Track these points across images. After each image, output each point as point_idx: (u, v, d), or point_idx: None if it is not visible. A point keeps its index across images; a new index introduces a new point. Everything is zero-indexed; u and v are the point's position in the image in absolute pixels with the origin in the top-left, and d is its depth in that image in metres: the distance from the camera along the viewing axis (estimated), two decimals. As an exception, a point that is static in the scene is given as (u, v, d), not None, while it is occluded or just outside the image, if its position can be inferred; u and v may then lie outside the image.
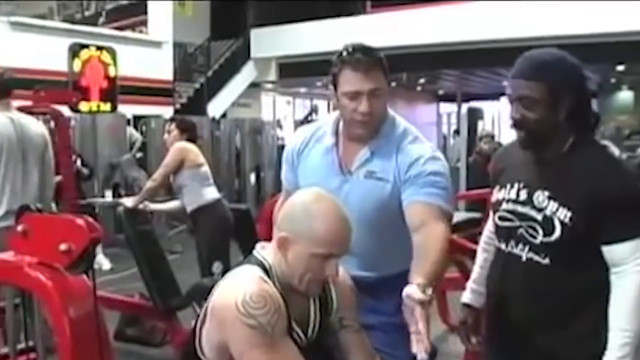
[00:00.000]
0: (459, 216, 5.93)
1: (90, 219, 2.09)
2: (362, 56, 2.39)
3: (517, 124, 2.16)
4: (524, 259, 2.17)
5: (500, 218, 2.26)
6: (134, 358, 4.87)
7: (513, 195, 2.22)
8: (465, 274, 3.31)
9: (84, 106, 11.74)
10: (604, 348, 2.06)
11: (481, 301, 2.42)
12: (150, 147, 11.53)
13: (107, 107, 12.26)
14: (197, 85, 17.64)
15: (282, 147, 10.56)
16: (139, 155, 11.03)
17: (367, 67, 2.39)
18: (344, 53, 2.43)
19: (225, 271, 2.11)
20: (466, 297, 2.45)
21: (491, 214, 2.42)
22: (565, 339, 2.12)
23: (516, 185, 2.22)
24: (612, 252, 2.05)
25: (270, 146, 13.50)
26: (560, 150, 2.14)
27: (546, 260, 2.12)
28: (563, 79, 2.09)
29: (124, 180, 9.52)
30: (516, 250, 2.19)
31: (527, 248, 2.16)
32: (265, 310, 1.83)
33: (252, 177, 12.96)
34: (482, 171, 9.00)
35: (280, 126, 15.57)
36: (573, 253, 2.09)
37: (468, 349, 2.46)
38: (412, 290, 1.91)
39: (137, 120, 12.16)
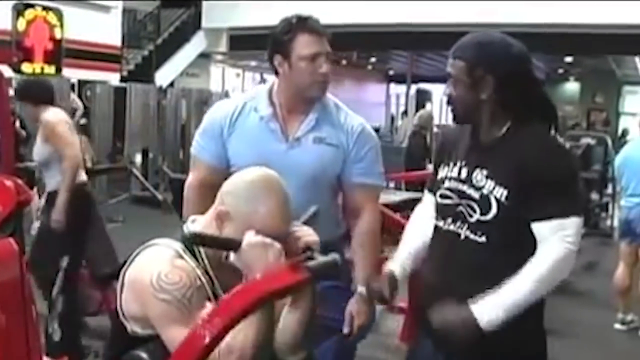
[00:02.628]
0: (402, 196, 5.96)
1: (20, 182, 2.02)
2: (314, 22, 2.53)
3: (447, 101, 2.24)
4: (462, 237, 2.17)
5: (441, 196, 2.27)
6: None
7: (455, 173, 2.23)
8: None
9: (27, 67, 11.49)
10: (536, 324, 2.15)
11: (404, 276, 2.39)
12: (94, 113, 11.37)
13: (51, 69, 11.99)
14: (146, 53, 17.37)
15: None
16: (82, 121, 10.85)
17: (321, 31, 2.53)
18: (295, 20, 2.52)
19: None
20: (394, 266, 2.37)
21: (427, 193, 2.44)
22: None
23: (458, 164, 2.23)
24: (538, 229, 2.08)
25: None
26: (497, 132, 2.17)
27: (482, 239, 2.13)
28: (484, 60, 2.12)
29: (65, 145, 9.30)
30: (454, 228, 2.20)
31: (465, 226, 2.17)
32: (179, 285, 1.82)
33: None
34: (420, 152, 9.11)
35: (228, 98, 15.40)
36: (508, 232, 2.11)
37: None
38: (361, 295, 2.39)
39: (82, 85, 11.91)
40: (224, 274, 1.94)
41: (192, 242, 1.89)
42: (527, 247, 2.10)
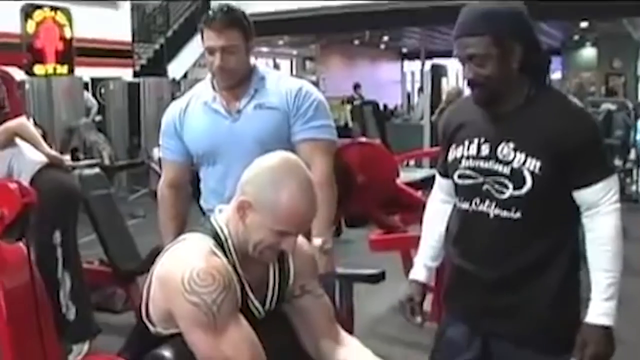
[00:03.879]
0: (422, 173, 5.88)
1: (24, 184, 1.98)
2: (219, 16, 2.65)
3: (472, 83, 2.09)
4: (491, 215, 2.09)
5: (460, 176, 2.17)
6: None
7: (473, 151, 2.13)
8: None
9: (39, 69, 11.51)
10: (574, 296, 2.10)
11: (430, 278, 2.38)
12: (109, 110, 11.37)
13: (63, 69, 12.02)
14: (157, 46, 17.24)
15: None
16: (98, 118, 10.87)
17: (221, 26, 2.65)
18: (207, 14, 2.70)
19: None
20: (418, 273, 2.37)
21: (438, 177, 2.37)
22: (536, 292, 2.08)
23: (476, 141, 2.13)
24: (583, 196, 2.03)
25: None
26: (518, 102, 2.08)
27: (517, 215, 2.05)
28: (508, 28, 2.01)
29: (82, 144, 9.32)
30: (482, 208, 2.11)
31: (494, 204, 2.08)
32: (211, 289, 1.74)
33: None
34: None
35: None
36: (544, 204, 2.04)
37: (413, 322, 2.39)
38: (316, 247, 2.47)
39: (96, 83, 11.88)
40: (250, 267, 1.89)
41: None
42: (563, 217, 2.06)
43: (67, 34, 12.24)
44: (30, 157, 4.14)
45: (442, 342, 2.32)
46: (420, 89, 16.83)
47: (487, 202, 2.10)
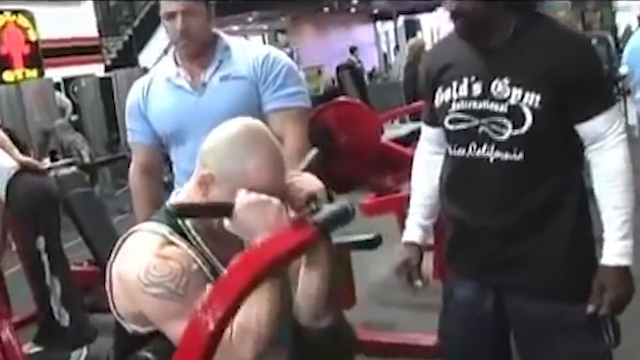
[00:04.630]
0: (408, 128, 5.70)
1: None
2: None
3: (455, 15, 1.92)
4: (491, 160, 1.93)
5: (452, 122, 2.01)
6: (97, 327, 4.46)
7: (464, 92, 1.97)
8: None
9: (8, 76, 11.31)
10: (587, 237, 1.96)
11: (426, 238, 2.22)
12: (84, 108, 11.16)
13: (33, 73, 11.82)
14: (126, 38, 17.07)
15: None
16: (74, 118, 10.68)
17: None
18: None
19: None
20: (413, 235, 2.21)
21: (425, 128, 2.20)
22: (548, 237, 1.93)
23: (466, 81, 1.96)
24: (587, 129, 1.88)
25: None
26: (507, 33, 1.91)
27: (520, 156, 1.89)
28: None
29: (59, 146, 9.13)
30: (480, 153, 1.95)
31: (493, 148, 1.92)
32: (172, 276, 1.58)
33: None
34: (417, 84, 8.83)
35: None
36: (547, 142, 1.89)
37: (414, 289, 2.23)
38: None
39: (68, 82, 11.67)
40: (222, 247, 1.71)
41: (179, 217, 1.67)
42: (568, 155, 1.92)
43: (32, 36, 11.99)
44: (2, 164, 3.99)
45: (452, 302, 2.18)
46: (397, 48, 16.64)
47: (485, 146, 1.93)
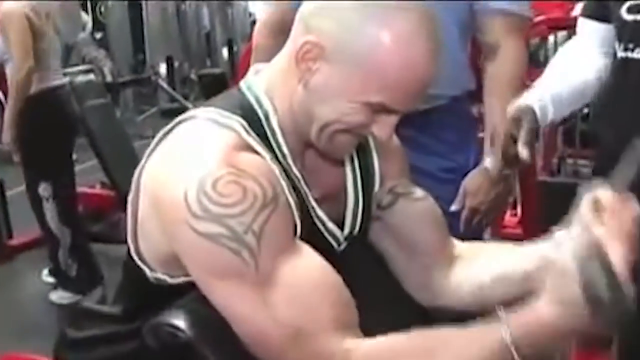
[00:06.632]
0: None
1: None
2: None
3: None
4: None
5: (631, 9, 1.49)
6: (102, 258, 4.21)
7: None
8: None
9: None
10: None
11: (541, 120, 1.57)
12: (109, 26, 10.60)
13: (60, -12, 11.18)
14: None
15: (254, 23, 9.74)
16: (98, 35, 10.15)
17: None
18: None
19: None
20: (531, 98, 1.57)
21: (587, 22, 1.68)
22: None
23: None
24: None
25: (241, 20, 12.42)
26: None
27: None
28: None
29: (81, 60, 8.64)
30: None
31: None
32: (243, 207, 0.97)
33: (225, 52, 11.93)
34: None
35: None
36: None
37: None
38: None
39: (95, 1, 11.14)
40: (311, 165, 1.12)
41: None
42: None
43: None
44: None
45: None
46: None
47: None
